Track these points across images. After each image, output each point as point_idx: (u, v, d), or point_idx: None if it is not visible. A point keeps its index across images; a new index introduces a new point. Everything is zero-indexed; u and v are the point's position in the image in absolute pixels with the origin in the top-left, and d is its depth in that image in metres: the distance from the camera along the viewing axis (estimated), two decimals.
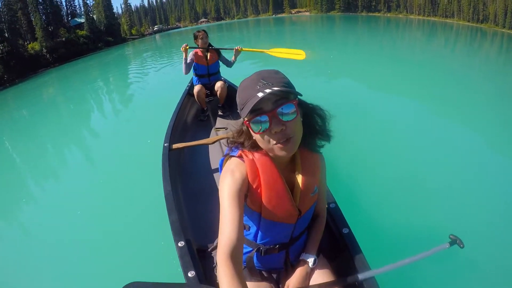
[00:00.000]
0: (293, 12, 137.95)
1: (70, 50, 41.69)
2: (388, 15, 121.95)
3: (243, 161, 1.15)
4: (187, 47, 4.52)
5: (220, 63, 4.90)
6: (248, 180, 1.13)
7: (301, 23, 55.36)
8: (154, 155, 3.13)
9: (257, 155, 1.15)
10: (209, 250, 1.75)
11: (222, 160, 1.23)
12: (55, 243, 3.34)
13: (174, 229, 1.69)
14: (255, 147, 1.16)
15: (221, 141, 3.50)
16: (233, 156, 1.18)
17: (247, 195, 1.15)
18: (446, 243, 1.37)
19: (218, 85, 4.65)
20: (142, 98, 10.39)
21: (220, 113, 4.77)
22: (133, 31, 75.49)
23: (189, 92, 4.87)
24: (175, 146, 2.97)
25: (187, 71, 4.57)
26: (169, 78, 12.54)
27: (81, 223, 3.59)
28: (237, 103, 1.10)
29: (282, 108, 1.01)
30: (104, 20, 57.25)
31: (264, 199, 1.15)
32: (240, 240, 1.00)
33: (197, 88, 4.54)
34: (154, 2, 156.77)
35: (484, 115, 6.11)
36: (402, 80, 9.19)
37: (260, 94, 0.98)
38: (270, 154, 1.12)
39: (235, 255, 0.96)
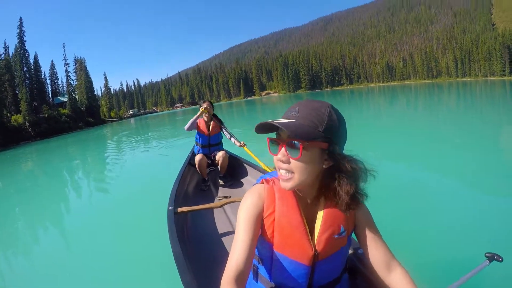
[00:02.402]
0: (263, 94, 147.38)
1: (52, 126, 42.63)
2: (351, 87, 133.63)
3: (264, 186, 1.14)
4: (205, 111, 4.61)
5: (223, 134, 4.91)
6: (264, 205, 1.10)
7: (271, 103, 57.58)
8: (157, 221, 3.15)
9: (277, 182, 1.12)
10: None
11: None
12: None
13: None
14: None
15: (226, 206, 3.43)
16: (257, 183, 1.18)
17: (263, 221, 1.11)
18: (485, 261, 1.38)
19: (219, 155, 4.62)
20: (135, 170, 10.04)
21: (221, 182, 4.65)
22: (112, 114, 78.20)
23: (189, 162, 4.73)
24: (180, 209, 2.84)
25: (189, 128, 4.58)
26: (151, 155, 12.67)
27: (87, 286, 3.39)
28: None
29: (289, 142, 0.99)
30: (86, 101, 59.64)
31: (276, 228, 1.09)
32: (247, 265, 0.99)
33: (198, 157, 4.47)
34: (133, 87, 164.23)
35: (463, 157, 6.77)
36: (374, 146, 9.08)
37: (272, 121, 0.97)
38: None
39: (239, 280, 0.95)
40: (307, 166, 1.00)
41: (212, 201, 4.10)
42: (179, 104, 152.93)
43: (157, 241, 2.84)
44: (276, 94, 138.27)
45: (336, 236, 1.09)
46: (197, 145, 4.85)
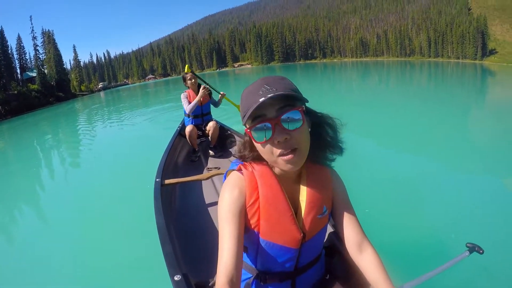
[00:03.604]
0: (235, 65, 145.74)
1: (22, 103, 40.50)
2: (324, 60, 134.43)
3: (242, 174, 1.06)
4: (206, 91, 4.57)
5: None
6: (246, 195, 1.03)
7: (244, 75, 58.24)
8: (144, 194, 3.11)
9: (257, 167, 1.06)
10: (209, 285, 1.61)
11: (225, 176, 1.14)
12: (49, 278, 3.22)
13: (168, 262, 1.57)
14: (258, 159, 1.07)
15: (214, 178, 3.47)
16: (233, 170, 1.11)
17: (246, 211, 1.04)
18: (465, 251, 1.35)
19: (210, 125, 4.56)
20: (118, 141, 10.36)
21: (211, 153, 4.61)
22: (83, 87, 75.63)
23: (180, 132, 4.71)
24: (167, 181, 2.87)
25: (191, 110, 4.53)
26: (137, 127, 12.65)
27: (71, 257, 3.45)
28: (240, 111, 1.00)
29: (286, 115, 0.91)
30: (55, 75, 57.33)
31: (262, 216, 1.03)
32: (238, 266, 0.93)
33: (189, 128, 4.43)
34: (103, 58, 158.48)
35: (437, 134, 6.92)
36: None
37: (262, 99, 0.89)
38: (275, 167, 1.04)
39: (233, 284, 0.89)
40: (306, 133, 0.96)
41: (202, 172, 4.12)
42: (151, 76, 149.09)
43: (144, 214, 2.84)
44: (249, 66, 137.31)
45: (319, 216, 1.09)
46: (188, 117, 4.72)
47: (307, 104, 1.03)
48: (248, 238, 1.08)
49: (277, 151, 0.93)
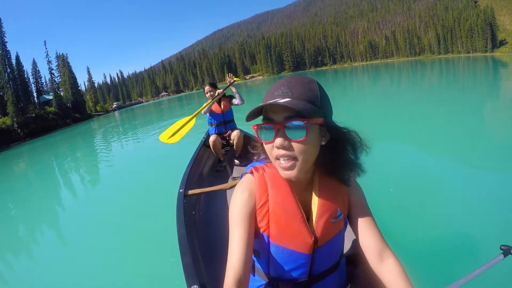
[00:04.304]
0: (247, 77, 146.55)
1: (40, 125, 42.43)
2: (335, 66, 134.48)
3: (253, 178, 1.06)
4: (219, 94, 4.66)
5: (234, 108, 4.92)
6: (256, 197, 1.03)
7: (256, 86, 58.26)
8: (167, 205, 3.14)
9: (268, 170, 1.06)
10: None
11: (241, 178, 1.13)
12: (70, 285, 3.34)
13: (186, 272, 1.58)
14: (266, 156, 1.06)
15: None
16: (246, 173, 1.10)
17: (256, 213, 1.03)
18: (499, 254, 1.26)
19: (234, 134, 4.61)
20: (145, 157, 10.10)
21: (237, 162, 4.65)
22: (98, 108, 77.96)
23: (205, 143, 4.76)
24: (191, 192, 2.89)
25: (206, 111, 4.64)
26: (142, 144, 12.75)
27: (93, 264, 3.60)
28: None
29: (290, 124, 0.88)
30: (71, 97, 59.31)
31: (271, 218, 1.01)
32: (246, 268, 0.93)
33: (212, 138, 4.50)
34: (116, 79, 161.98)
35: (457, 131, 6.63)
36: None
37: (268, 102, 0.90)
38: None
39: (241, 284, 0.89)
40: (311, 146, 0.93)
41: (227, 181, 4.11)
42: (164, 93, 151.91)
43: (167, 225, 2.91)
44: (261, 77, 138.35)
45: (333, 220, 1.04)
46: (211, 126, 4.85)
47: (333, 117, 1.00)
48: (259, 243, 1.06)
49: (276, 154, 0.93)
